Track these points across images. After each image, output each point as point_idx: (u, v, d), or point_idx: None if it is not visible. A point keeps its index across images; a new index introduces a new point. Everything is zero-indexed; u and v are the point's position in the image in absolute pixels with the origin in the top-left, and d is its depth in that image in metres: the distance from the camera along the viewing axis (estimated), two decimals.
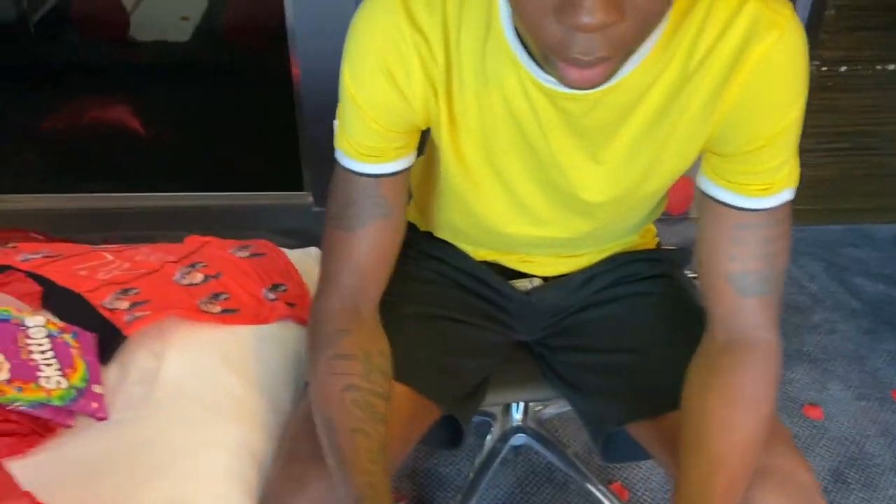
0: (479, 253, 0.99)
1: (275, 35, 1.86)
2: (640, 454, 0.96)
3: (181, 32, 2.43)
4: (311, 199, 2.08)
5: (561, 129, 0.75)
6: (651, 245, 1.04)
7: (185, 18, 2.43)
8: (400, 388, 0.86)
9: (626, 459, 0.98)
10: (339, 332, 0.81)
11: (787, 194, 0.75)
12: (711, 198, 0.77)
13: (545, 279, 1.00)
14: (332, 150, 0.81)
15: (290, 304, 1.03)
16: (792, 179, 0.75)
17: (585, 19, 0.53)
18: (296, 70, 1.86)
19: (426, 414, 0.90)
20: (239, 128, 2.30)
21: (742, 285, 0.77)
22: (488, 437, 1.43)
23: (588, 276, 0.99)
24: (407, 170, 0.81)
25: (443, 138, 0.79)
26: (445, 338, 0.94)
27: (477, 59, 0.73)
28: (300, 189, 2.09)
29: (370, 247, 0.81)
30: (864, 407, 1.63)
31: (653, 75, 0.71)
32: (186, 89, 2.34)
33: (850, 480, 1.48)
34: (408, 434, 0.87)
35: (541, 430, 1.41)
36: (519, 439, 1.41)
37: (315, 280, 1.04)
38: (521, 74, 0.72)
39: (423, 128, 0.79)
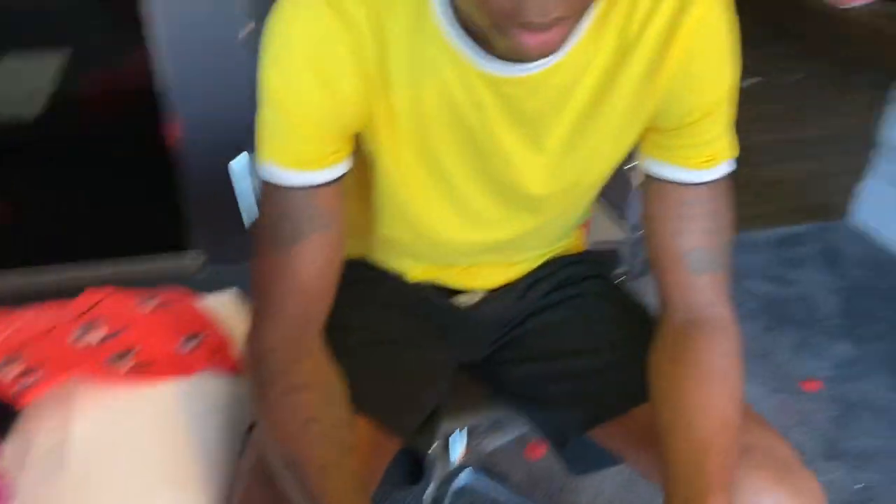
0: (417, 273, 0.94)
1: (145, 98, 1.78)
2: (606, 461, 0.93)
3: (33, 105, 2.26)
4: (202, 258, 1.97)
5: (504, 117, 0.72)
6: (581, 248, 1.04)
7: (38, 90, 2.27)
8: (356, 421, 0.78)
9: (593, 469, 0.95)
10: (288, 364, 0.73)
11: (727, 166, 0.76)
12: (656, 177, 0.76)
13: (487, 292, 0.96)
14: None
15: (213, 353, 0.94)
16: (732, 150, 0.76)
17: None
18: (174, 131, 1.78)
19: (386, 447, 0.82)
20: (117, 196, 2.16)
21: (694, 263, 0.77)
22: (430, 486, 1.35)
23: (528, 283, 0.96)
24: (342, 178, 0.75)
25: (380, 141, 0.75)
26: (395, 364, 0.88)
27: (408, 52, 0.69)
28: (187, 248, 1.98)
29: (310, 265, 0.74)
30: (781, 399, 1.69)
31: (589, 54, 0.70)
32: (52, 163, 2.18)
33: None
34: (370, 470, 0.79)
35: (484, 466, 1.36)
36: (462, 480, 1.35)
37: (236, 325, 0.95)
38: (459, 64, 0.69)
39: (358, 130, 0.75)
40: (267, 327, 0.75)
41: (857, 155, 2.24)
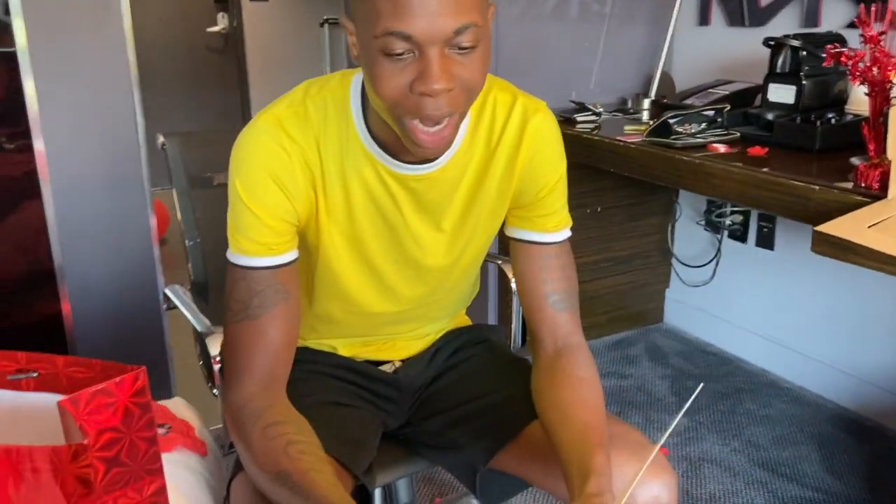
0: (346, 350, 1.16)
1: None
2: (514, 487, 1.14)
3: None
4: None
5: (411, 205, 1.00)
6: (468, 323, 1.30)
7: None
8: None
9: (505, 497, 1.15)
10: (262, 409, 0.91)
11: (567, 231, 1.07)
12: (523, 241, 1.06)
13: (402, 362, 1.19)
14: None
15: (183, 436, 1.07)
16: (569, 221, 1.07)
17: (435, 86, 0.80)
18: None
19: (344, 484, 0.99)
20: None
21: (556, 303, 1.05)
22: None
23: (433, 351, 1.20)
24: (296, 260, 0.98)
25: (320, 229, 0.99)
26: (343, 419, 1.06)
27: (340, 162, 0.96)
28: None
29: (278, 329, 0.95)
30: None
31: (469, 155, 1.00)
32: None
33: None
34: None
35: None
36: None
37: (190, 419, 1.11)
38: (377, 167, 0.96)
39: (304, 221, 0.98)
40: (242, 382, 0.93)
41: (659, 267, 2.73)
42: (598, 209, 2.50)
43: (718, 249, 2.54)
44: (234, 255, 0.95)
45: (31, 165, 1.73)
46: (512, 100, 1.01)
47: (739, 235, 2.47)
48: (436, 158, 0.96)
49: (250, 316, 0.94)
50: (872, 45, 1.33)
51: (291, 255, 0.97)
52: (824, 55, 1.40)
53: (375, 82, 0.83)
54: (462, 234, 1.05)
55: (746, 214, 2.43)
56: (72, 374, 0.64)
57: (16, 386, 0.64)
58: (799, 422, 2.17)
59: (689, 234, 2.65)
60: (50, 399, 0.60)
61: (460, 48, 0.80)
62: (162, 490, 0.60)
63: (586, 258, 2.53)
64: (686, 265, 2.67)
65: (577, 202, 2.56)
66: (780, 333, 2.40)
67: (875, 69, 1.34)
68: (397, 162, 0.96)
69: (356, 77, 0.96)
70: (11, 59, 1.63)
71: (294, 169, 0.93)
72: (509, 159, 1.01)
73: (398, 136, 0.89)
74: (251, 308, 0.94)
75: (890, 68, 1.33)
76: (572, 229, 1.08)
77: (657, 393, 2.33)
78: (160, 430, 1.06)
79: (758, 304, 2.46)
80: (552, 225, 1.05)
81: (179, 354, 1.95)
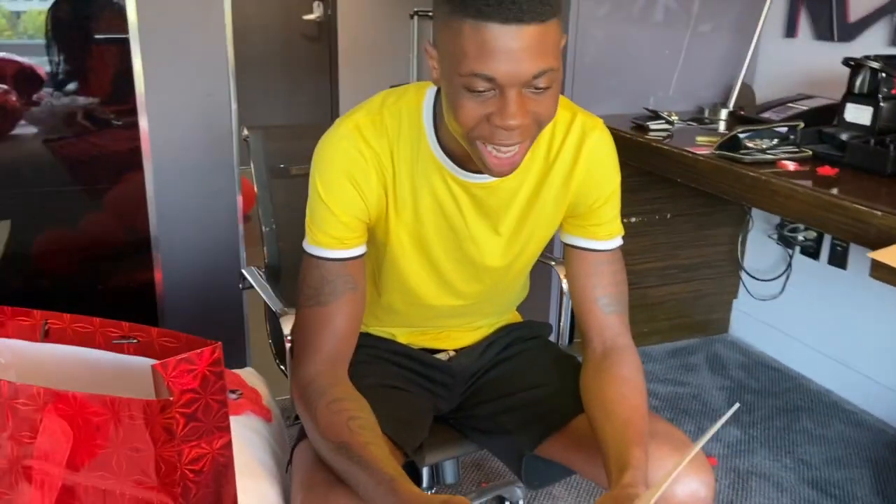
0: (405, 338, 1.26)
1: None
2: (558, 474, 1.21)
3: None
4: None
5: (473, 210, 1.08)
6: (519, 319, 1.37)
7: None
8: None
9: (549, 481, 1.23)
10: (327, 387, 1.01)
11: (619, 240, 1.13)
12: (576, 247, 1.13)
13: (456, 351, 1.28)
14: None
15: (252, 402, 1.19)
16: (621, 230, 1.14)
17: (511, 122, 0.89)
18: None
19: (396, 460, 1.08)
20: None
21: (605, 306, 1.12)
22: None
23: (486, 344, 1.29)
24: (365, 254, 1.08)
25: (389, 228, 1.08)
26: (398, 401, 1.16)
27: (411, 168, 1.05)
28: None
29: (345, 316, 1.05)
30: None
31: (528, 168, 1.07)
32: None
33: None
34: None
35: None
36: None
37: (260, 388, 1.23)
38: (444, 175, 1.05)
39: (374, 221, 1.08)
40: (309, 362, 1.04)
41: (727, 278, 2.73)
42: (668, 216, 2.52)
43: (789, 265, 2.52)
44: (310, 246, 1.06)
45: (136, 142, 1.90)
46: (571, 117, 1.08)
47: (812, 252, 2.45)
48: None
49: (321, 302, 1.04)
50: None
51: (361, 249, 1.07)
52: None
53: (456, 111, 0.91)
54: (518, 239, 1.13)
55: (820, 232, 2.41)
56: (163, 343, 0.76)
57: (119, 349, 0.76)
58: (856, 445, 2.15)
59: (760, 247, 2.64)
60: (145, 362, 0.71)
61: (536, 88, 0.88)
62: (228, 445, 0.71)
63: (652, 263, 2.55)
64: (755, 278, 2.66)
65: (647, 207, 2.62)
66: (847, 355, 2.38)
67: None
68: (462, 171, 1.04)
69: (429, 91, 1.05)
70: (124, 43, 1.80)
71: (369, 172, 1.03)
72: (566, 173, 1.08)
73: (465, 149, 0.97)
74: (322, 295, 1.04)
75: None
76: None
77: (713, 403, 2.34)
78: (232, 396, 1.18)
79: (826, 323, 2.44)
80: (605, 234, 1.12)
81: (252, 328, 2.09)
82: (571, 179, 1.09)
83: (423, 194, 1.07)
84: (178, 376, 0.66)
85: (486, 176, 1.05)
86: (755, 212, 2.63)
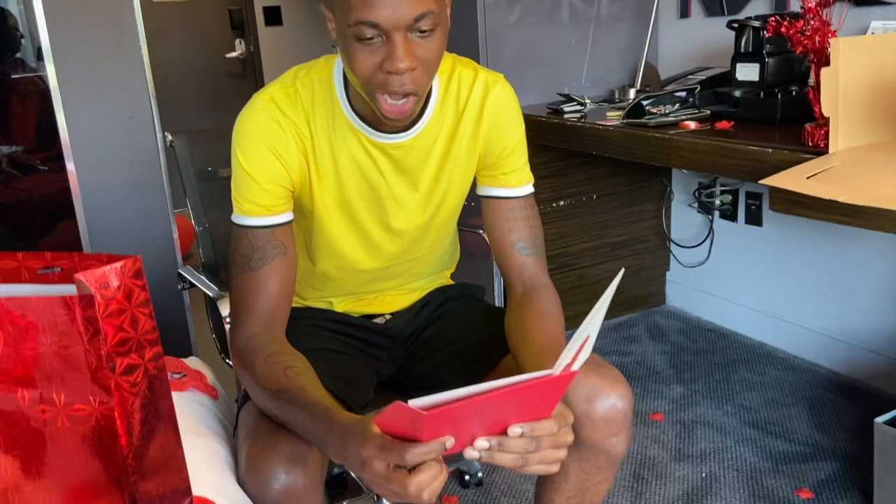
0: (341, 306, 1.31)
1: None
2: None
3: None
4: None
5: (392, 169, 1.15)
6: (451, 282, 1.44)
7: None
8: None
9: None
10: (263, 344, 1.06)
11: (530, 187, 1.22)
12: (491, 197, 1.21)
13: (391, 314, 1.34)
14: None
15: (195, 380, 1.23)
16: (531, 178, 1.22)
17: (400, 65, 0.96)
18: None
19: None
20: None
21: (522, 249, 1.19)
22: None
23: (420, 305, 1.35)
24: (291, 221, 1.13)
25: (314, 195, 1.14)
26: (339, 363, 1.21)
27: (329, 135, 1.12)
28: None
29: (277, 278, 1.10)
30: (638, 428, 2.09)
31: (439, 125, 1.15)
32: None
33: (646, 477, 1.88)
34: None
35: None
36: None
37: (203, 371, 1.27)
38: (360, 139, 1.12)
39: (298, 188, 1.14)
40: (246, 324, 1.08)
41: (658, 251, 2.85)
42: (594, 196, 2.63)
43: (711, 229, 2.66)
44: (237, 217, 1.11)
45: (65, 183, 1.95)
46: (474, 74, 1.16)
47: (730, 215, 2.59)
48: (408, 128, 1.12)
49: (252, 268, 1.10)
50: (811, 15, 1.46)
51: (287, 216, 1.12)
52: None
53: (351, 63, 0.99)
54: (436, 194, 1.20)
55: (735, 194, 2.55)
56: (87, 265, 0.75)
57: (44, 280, 0.78)
58: (791, 387, 2.27)
59: (683, 217, 2.78)
60: (72, 289, 0.73)
61: (420, 32, 0.96)
62: (159, 356, 0.72)
63: (585, 244, 2.66)
64: (682, 247, 2.79)
65: (573, 190, 2.74)
66: (775, 307, 2.51)
67: (816, 38, 1.47)
68: (377, 132, 1.11)
69: (338, 60, 1.12)
70: (45, 96, 1.89)
71: (287, 140, 1.10)
72: (474, 125, 1.17)
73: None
74: (253, 261, 1.10)
75: (829, 35, 1.46)
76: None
77: (656, 367, 2.45)
78: (175, 376, 1.22)
79: (752, 280, 2.57)
80: (516, 181, 1.20)
81: (200, 349, 2.11)
82: (479, 130, 1.17)
83: (343, 159, 1.13)
84: (101, 287, 0.67)
85: (400, 135, 1.12)
86: (675, 183, 2.77)
